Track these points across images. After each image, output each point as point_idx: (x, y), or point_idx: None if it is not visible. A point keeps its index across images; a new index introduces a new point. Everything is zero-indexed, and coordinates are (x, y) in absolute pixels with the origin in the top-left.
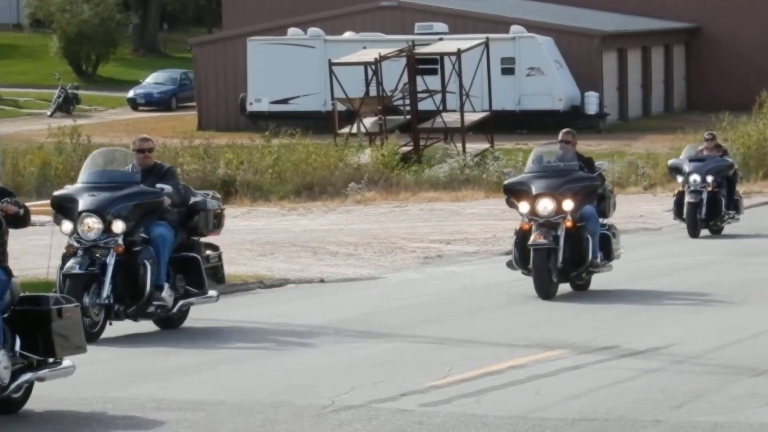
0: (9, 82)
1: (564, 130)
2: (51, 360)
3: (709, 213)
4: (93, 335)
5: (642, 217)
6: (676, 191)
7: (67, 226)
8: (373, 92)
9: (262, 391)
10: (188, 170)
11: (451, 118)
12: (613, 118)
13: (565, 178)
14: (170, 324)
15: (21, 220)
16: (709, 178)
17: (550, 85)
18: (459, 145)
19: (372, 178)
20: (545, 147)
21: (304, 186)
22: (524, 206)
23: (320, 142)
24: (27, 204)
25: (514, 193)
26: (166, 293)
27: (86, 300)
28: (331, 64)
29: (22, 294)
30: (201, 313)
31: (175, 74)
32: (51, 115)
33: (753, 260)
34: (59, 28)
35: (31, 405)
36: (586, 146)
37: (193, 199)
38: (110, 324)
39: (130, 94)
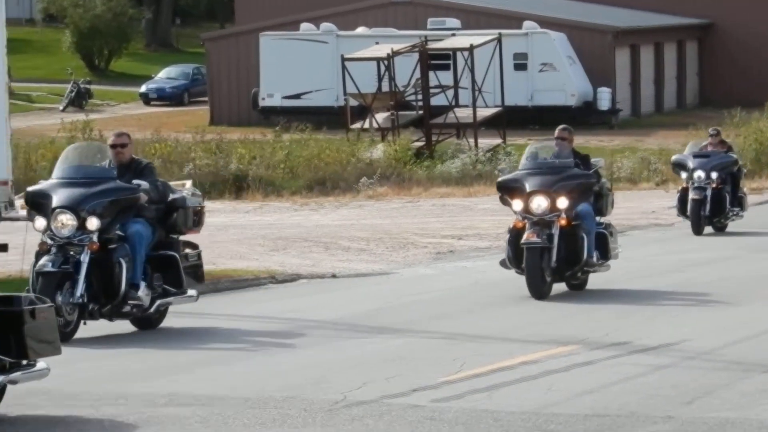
0: (22, 77)
1: (560, 127)
2: (24, 362)
3: (713, 210)
4: (66, 335)
5: (654, 212)
6: (680, 188)
7: (40, 222)
8: (385, 88)
9: (273, 386)
10: (200, 165)
11: (463, 114)
12: (626, 114)
13: (560, 176)
14: (148, 324)
15: None
16: (714, 175)
17: (562, 80)
18: (471, 141)
19: (384, 174)
20: (540, 143)
21: (316, 181)
22: (518, 204)
23: (332, 137)
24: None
25: (508, 190)
26: (143, 292)
27: (59, 299)
28: (343, 59)
29: None
30: (212, 308)
31: (187, 69)
32: (63, 110)
33: (764, 256)
34: (72, 22)
35: (45, 402)
36: (598, 142)
37: (172, 196)
38: (84, 324)
39: (143, 89)
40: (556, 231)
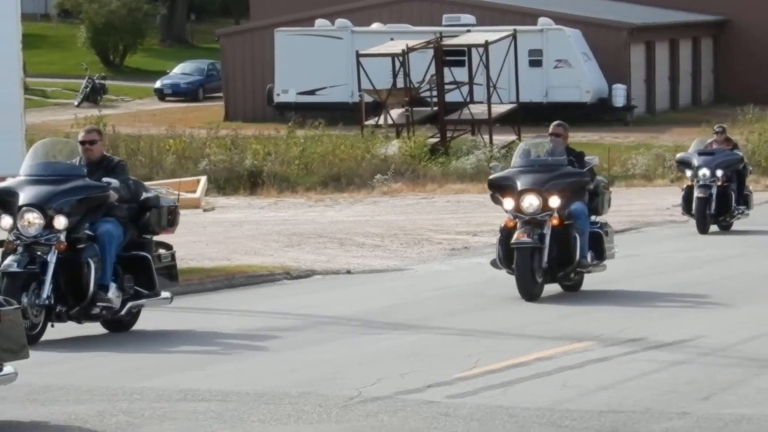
0: (36, 72)
1: (555, 123)
2: None
3: (718, 208)
4: (32, 337)
5: (669, 209)
6: (684, 185)
7: (6, 221)
8: (400, 84)
9: (288, 381)
10: (215, 161)
11: (478, 110)
12: (641, 111)
13: (553, 174)
14: (120, 326)
15: None
16: (719, 172)
17: (577, 77)
18: (486, 137)
19: (398, 170)
20: (534, 140)
21: (330, 177)
22: (509, 202)
23: (347, 133)
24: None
25: (499, 188)
26: (113, 294)
27: (25, 300)
28: (358, 55)
29: None
30: (226, 304)
31: (202, 65)
32: (78, 105)
33: None
34: (87, 18)
35: (61, 396)
36: (613, 138)
37: (145, 195)
38: (52, 326)
39: (157, 84)
40: (547, 231)
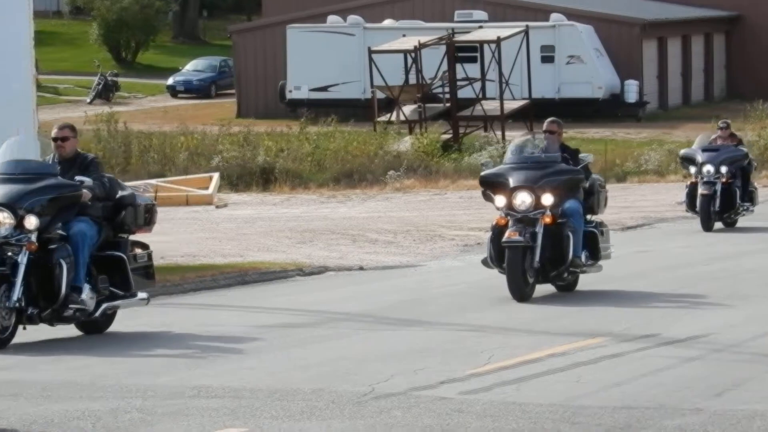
0: (49, 69)
1: (549, 119)
2: None
3: (723, 205)
4: (3, 341)
5: (682, 204)
6: (688, 182)
7: None
8: (412, 80)
9: (301, 378)
10: (228, 157)
11: (490, 106)
12: (653, 107)
13: (545, 171)
14: (95, 328)
15: None
16: (723, 169)
17: (589, 73)
18: (498, 133)
19: (411, 166)
20: (527, 136)
21: (343, 173)
22: (500, 200)
23: (359, 129)
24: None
25: (491, 185)
26: (86, 295)
27: None
28: (370, 51)
29: None
30: (239, 301)
31: (214, 62)
32: (90, 102)
33: None
34: (99, 15)
35: (74, 393)
36: (625, 134)
37: (120, 193)
38: (24, 329)
39: (170, 81)
40: (540, 229)
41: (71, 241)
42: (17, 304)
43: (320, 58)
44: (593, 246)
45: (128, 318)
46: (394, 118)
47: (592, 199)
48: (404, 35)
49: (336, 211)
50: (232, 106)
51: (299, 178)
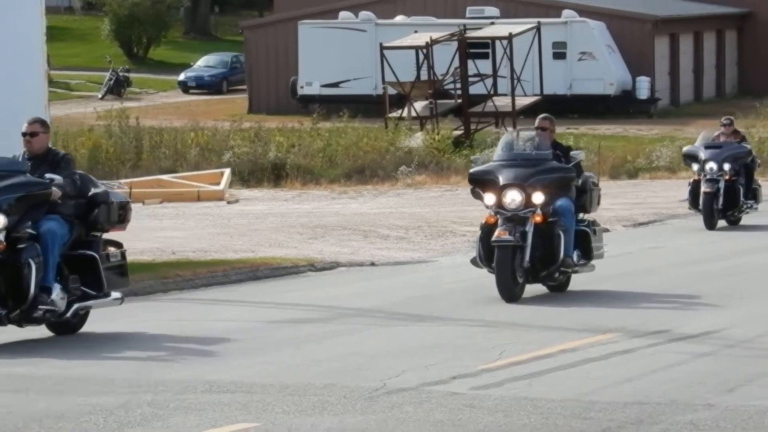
0: (60, 65)
1: (541, 116)
2: None
3: (726, 203)
4: None
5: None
6: (691, 180)
7: None
8: (424, 76)
9: (313, 373)
10: (239, 153)
11: (502, 103)
12: (665, 103)
13: (536, 168)
14: (67, 329)
15: None
16: (726, 166)
17: (601, 69)
18: (510, 129)
19: (422, 162)
20: (517, 132)
21: (354, 169)
22: (490, 198)
23: (370, 125)
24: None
25: (480, 183)
26: (56, 296)
27: None
28: (382, 47)
29: None
30: (251, 296)
31: (226, 57)
32: (102, 98)
33: None
34: (111, 10)
35: (83, 388)
36: (637, 131)
37: (93, 190)
38: None
39: (181, 77)
40: (530, 228)
41: (41, 240)
42: None
43: (332, 54)
44: (585, 245)
45: (139, 313)
46: (405, 114)
47: (585, 198)
48: (416, 31)
49: (347, 207)
50: (244, 102)
51: (310, 174)
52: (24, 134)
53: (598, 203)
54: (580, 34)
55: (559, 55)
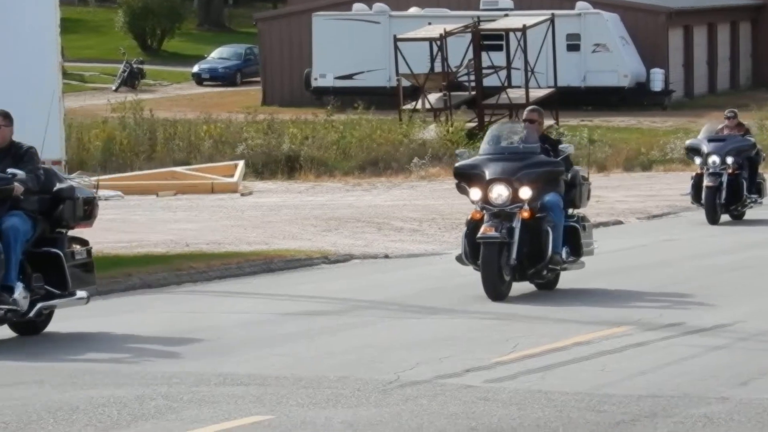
0: (75, 57)
1: (529, 108)
2: None
3: (729, 197)
4: None
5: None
6: (693, 173)
7: None
8: (437, 68)
9: (326, 365)
10: (253, 145)
11: (515, 95)
12: (679, 95)
13: (524, 162)
14: (31, 329)
15: None
16: (729, 160)
17: (615, 61)
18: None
19: (436, 154)
20: (504, 125)
21: (368, 161)
22: (476, 193)
23: (384, 117)
24: (93, 179)
25: (466, 177)
26: (19, 295)
27: None
28: (396, 39)
29: None
30: (264, 289)
31: (240, 49)
32: (116, 90)
33: None
34: (125, 2)
35: (99, 380)
36: (651, 123)
37: (58, 186)
38: None
39: (195, 69)
40: (517, 224)
41: (2, 237)
42: None
43: (346, 46)
44: (575, 242)
45: (153, 305)
46: (419, 106)
47: (574, 192)
48: (430, 23)
49: (361, 199)
50: (258, 94)
51: (324, 166)
52: None
53: (588, 198)
54: (594, 26)
55: (573, 47)
